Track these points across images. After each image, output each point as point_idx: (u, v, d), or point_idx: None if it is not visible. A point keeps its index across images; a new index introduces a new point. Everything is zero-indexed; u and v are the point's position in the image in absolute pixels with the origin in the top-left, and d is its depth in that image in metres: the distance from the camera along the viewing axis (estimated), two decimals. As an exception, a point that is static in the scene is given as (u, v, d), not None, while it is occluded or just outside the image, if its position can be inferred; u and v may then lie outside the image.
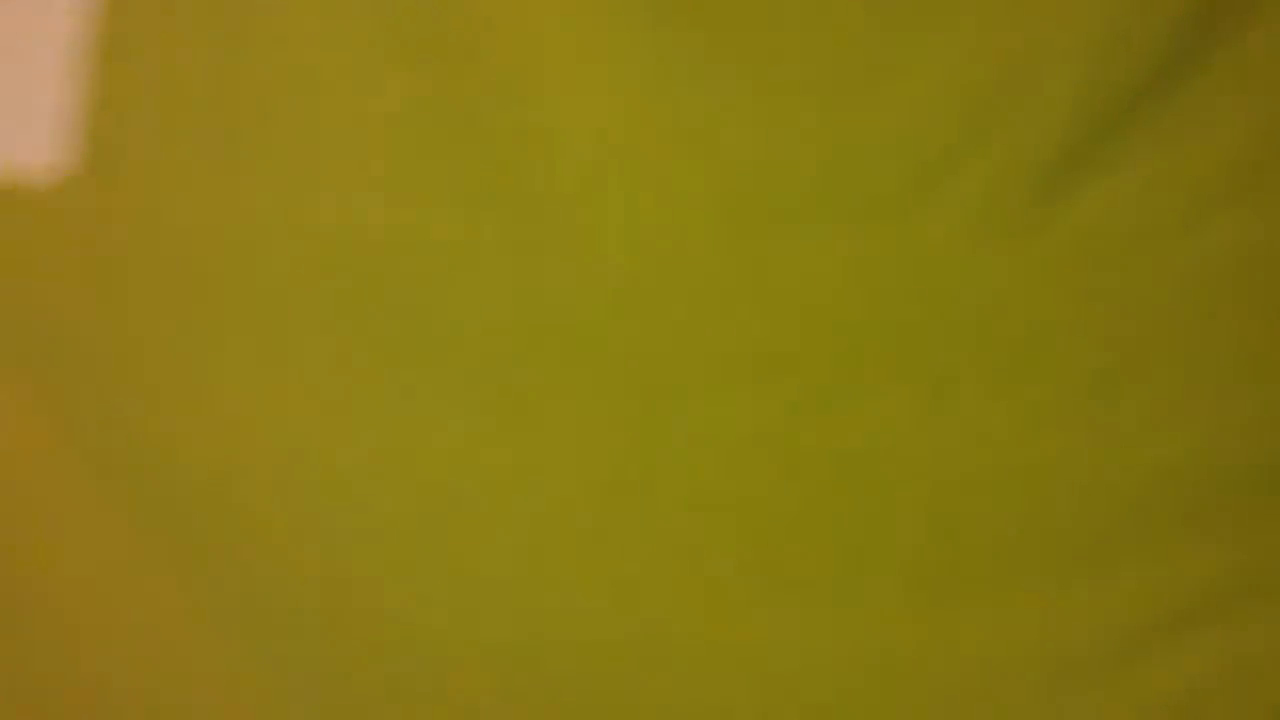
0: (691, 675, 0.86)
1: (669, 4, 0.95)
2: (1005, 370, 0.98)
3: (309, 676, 0.92)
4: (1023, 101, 1.01)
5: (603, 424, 0.92)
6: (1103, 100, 1.01)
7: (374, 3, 0.97)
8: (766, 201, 0.96)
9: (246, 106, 1.03)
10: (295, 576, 0.88)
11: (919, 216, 1.00)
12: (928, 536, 0.91)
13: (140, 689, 0.99)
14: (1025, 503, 0.95)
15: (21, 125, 1.07)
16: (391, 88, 0.93)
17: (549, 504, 0.92)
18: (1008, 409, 0.98)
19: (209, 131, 1.04)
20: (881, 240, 0.97)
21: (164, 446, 0.99)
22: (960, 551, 0.92)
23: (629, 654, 0.86)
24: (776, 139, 1.01)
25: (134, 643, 0.99)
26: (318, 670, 0.93)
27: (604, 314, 0.96)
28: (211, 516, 0.96)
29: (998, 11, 0.99)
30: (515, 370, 0.95)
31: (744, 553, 0.89)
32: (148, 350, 0.97)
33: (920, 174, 1.02)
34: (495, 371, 0.97)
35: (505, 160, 0.93)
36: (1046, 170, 0.97)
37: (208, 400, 0.99)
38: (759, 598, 0.87)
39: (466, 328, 0.95)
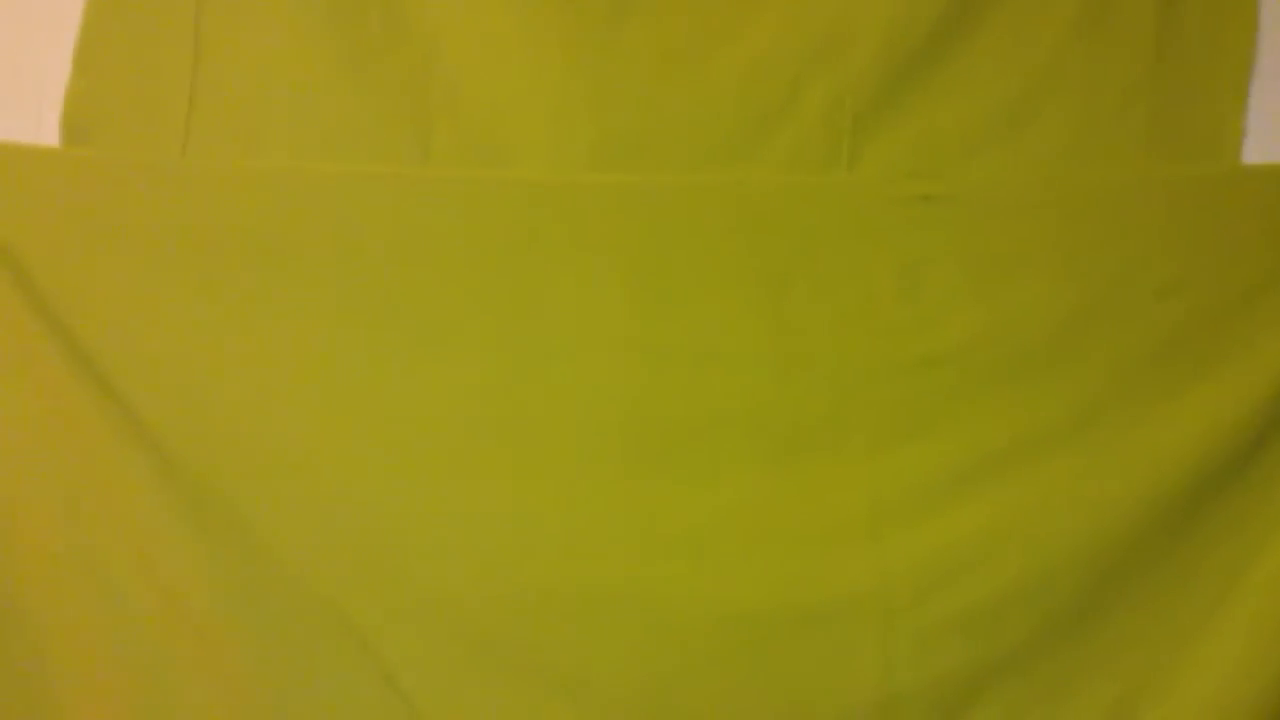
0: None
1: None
2: (832, 272, 1.12)
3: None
4: (833, 61, 1.14)
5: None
6: (900, 51, 1.14)
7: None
8: (640, 141, 1.15)
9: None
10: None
11: (753, 158, 1.15)
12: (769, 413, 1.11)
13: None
14: (849, 384, 1.10)
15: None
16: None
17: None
18: (835, 308, 1.11)
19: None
20: (721, 178, 1.14)
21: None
22: (797, 428, 1.10)
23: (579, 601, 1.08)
24: (643, 107, 1.16)
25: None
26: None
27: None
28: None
29: None
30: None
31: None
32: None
33: (753, 123, 1.15)
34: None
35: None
36: (859, 109, 1.14)
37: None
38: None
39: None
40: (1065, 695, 1.04)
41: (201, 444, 1.10)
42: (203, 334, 1.12)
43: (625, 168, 1.14)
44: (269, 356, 1.12)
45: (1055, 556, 1.05)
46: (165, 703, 1.07)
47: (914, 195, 1.10)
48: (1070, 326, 1.08)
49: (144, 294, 1.13)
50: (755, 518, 1.08)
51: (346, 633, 1.07)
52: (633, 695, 1.05)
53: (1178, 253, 1.08)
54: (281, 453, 1.10)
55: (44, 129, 1.18)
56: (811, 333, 1.10)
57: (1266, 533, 1.03)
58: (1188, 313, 1.07)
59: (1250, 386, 1.05)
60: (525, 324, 1.11)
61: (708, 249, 1.12)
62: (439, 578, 1.08)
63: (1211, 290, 1.07)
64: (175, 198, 1.14)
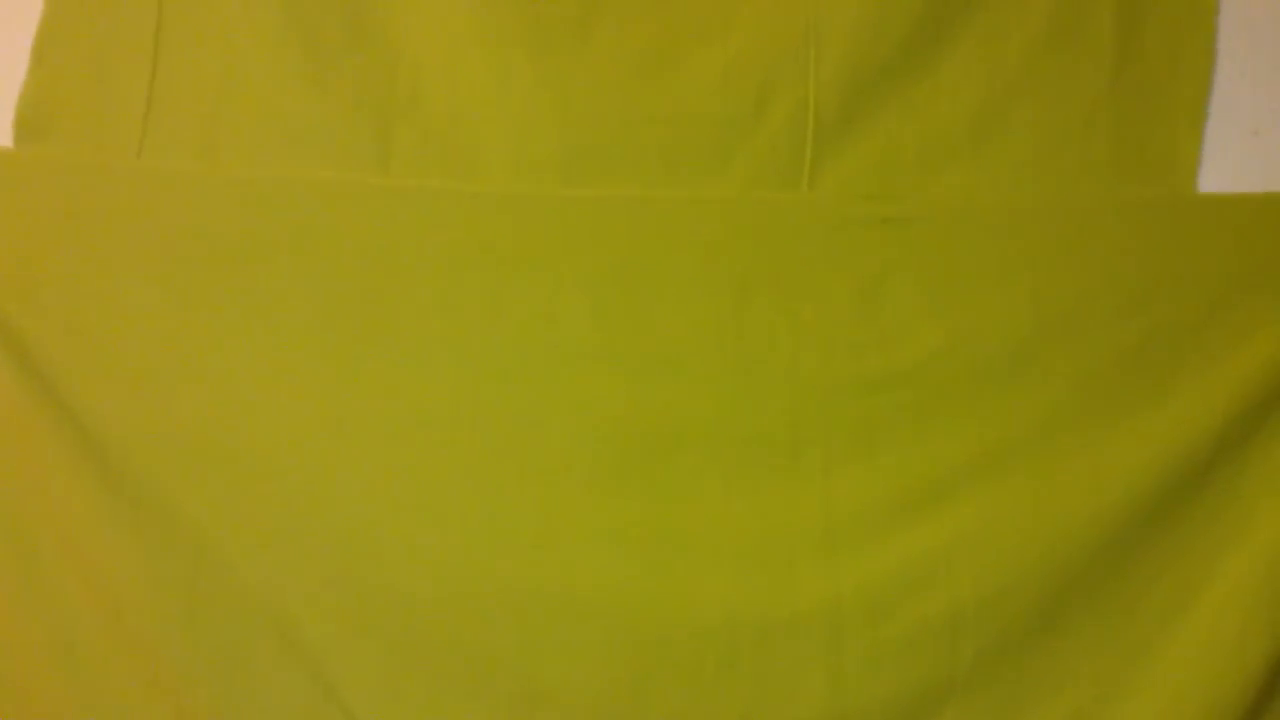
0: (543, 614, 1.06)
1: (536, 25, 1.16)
2: (792, 289, 1.11)
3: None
4: (799, 73, 1.14)
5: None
6: (864, 67, 1.15)
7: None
8: (604, 158, 1.15)
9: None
10: None
11: (716, 171, 1.14)
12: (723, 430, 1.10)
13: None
14: (806, 401, 1.09)
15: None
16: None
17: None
18: (794, 325, 1.11)
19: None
20: (687, 191, 1.14)
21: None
22: (754, 444, 1.09)
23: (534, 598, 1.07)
24: (610, 117, 1.16)
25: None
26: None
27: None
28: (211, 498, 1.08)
29: (769, 7, 1.16)
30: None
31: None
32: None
33: (717, 136, 1.14)
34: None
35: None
36: (822, 124, 1.14)
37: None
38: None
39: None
40: (1018, 713, 1.04)
41: (151, 451, 1.08)
42: (155, 339, 1.11)
43: (589, 179, 1.14)
44: (222, 362, 1.10)
45: (1010, 575, 1.05)
46: (102, 712, 1.04)
47: (874, 217, 1.11)
48: (1027, 346, 1.09)
49: (95, 297, 1.11)
50: (712, 531, 1.07)
51: (290, 645, 1.05)
52: (587, 708, 1.04)
53: (1135, 274, 1.09)
54: (233, 460, 1.08)
55: (-4, 127, 1.17)
56: (771, 349, 1.10)
57: (1222, 547, 1.03)
58: (1144, 334, 1.08)
59: (1205, 407, 1.06)
60: (486, 335, 1.11)
61: (669, 264, 1.12)
62: (393, 589, 1.06)
63: (1168, 311, 1.08)
64: (129, 200, 1.13)
